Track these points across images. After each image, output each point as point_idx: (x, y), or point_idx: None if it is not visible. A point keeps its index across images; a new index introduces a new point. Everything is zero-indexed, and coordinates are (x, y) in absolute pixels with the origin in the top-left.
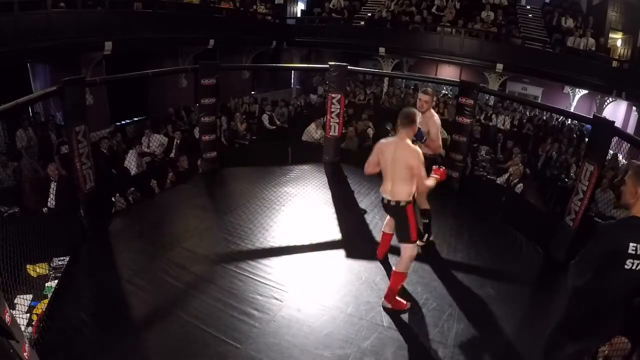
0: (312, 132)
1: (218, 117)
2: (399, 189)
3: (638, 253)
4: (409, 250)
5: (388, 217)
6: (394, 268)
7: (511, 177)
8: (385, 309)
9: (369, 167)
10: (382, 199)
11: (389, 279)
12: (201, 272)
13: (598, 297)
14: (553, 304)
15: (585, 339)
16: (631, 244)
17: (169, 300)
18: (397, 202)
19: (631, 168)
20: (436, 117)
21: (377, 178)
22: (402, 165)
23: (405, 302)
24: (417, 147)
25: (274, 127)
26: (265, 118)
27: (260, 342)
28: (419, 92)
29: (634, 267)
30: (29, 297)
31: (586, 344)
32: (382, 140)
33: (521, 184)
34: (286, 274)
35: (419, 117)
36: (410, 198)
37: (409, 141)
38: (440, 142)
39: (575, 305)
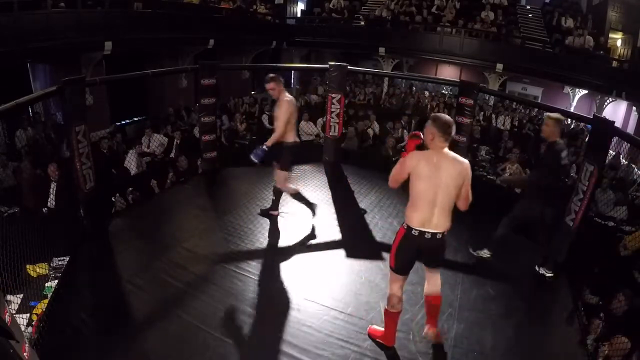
0: (304, 127)
1: (218, 117)
2: (446, 217)
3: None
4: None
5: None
6: (436, 294)
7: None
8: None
9: (395, 183)
10: (420, 234)
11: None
12: (201, 272)
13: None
14: (553, 304)
15: (535, 202)
16: (563, 152)
17: (169, 300)
18: (443, 234)
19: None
20: (286, 103)
21: (377, 178)
22: (456, 184)
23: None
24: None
25: (274, 127)
26: (265, 118)
27: (260, 343)
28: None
29: (564, 162)
30: (19, 297)
31: (534, 205)
32: (419, 154)
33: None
34: (286, 274)
35: None
36: None
37: (451, 152)
38: (282, 127)
39: (532, 183)
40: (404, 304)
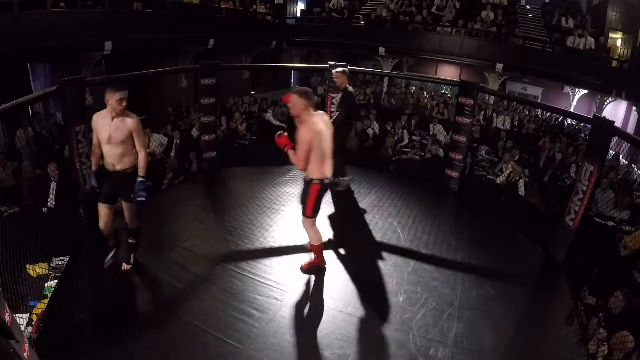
0: None
1: (218, 117)
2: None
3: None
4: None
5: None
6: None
7: (512, 175)
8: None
9: (306, 160)
10: (325, 180)
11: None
12: (201, 272)
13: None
14: (553, 304)
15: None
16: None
17: (169, 300)
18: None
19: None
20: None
21: (377, 178)
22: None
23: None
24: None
25: (280, 124)
26: (269, 116)
27: (260, 342)
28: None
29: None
30: None
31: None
32: (313, 123)
33: (522, 182)
34: (286, 274)
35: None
36: None
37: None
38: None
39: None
40: (403, 304)
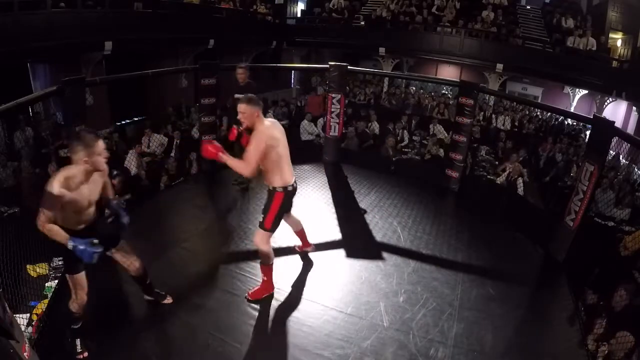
0: (307, 126)
1: (218, 117)
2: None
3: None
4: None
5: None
6: (302, 227)
7: (511, 174)
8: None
9: (255, 165)
10: (292, 187)
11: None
12: (201, 272)
13: None
14: (553, 304)
15: None
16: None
17: None
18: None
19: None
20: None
21: (377, 178)
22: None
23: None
24: None
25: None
26: (269, 116)
27: (260, 342)
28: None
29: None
30: None
31: None
32: (264, 129)
33: (521, 180)
34: (286, 274)
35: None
36: None
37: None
38: None
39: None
40: (403, 304)
